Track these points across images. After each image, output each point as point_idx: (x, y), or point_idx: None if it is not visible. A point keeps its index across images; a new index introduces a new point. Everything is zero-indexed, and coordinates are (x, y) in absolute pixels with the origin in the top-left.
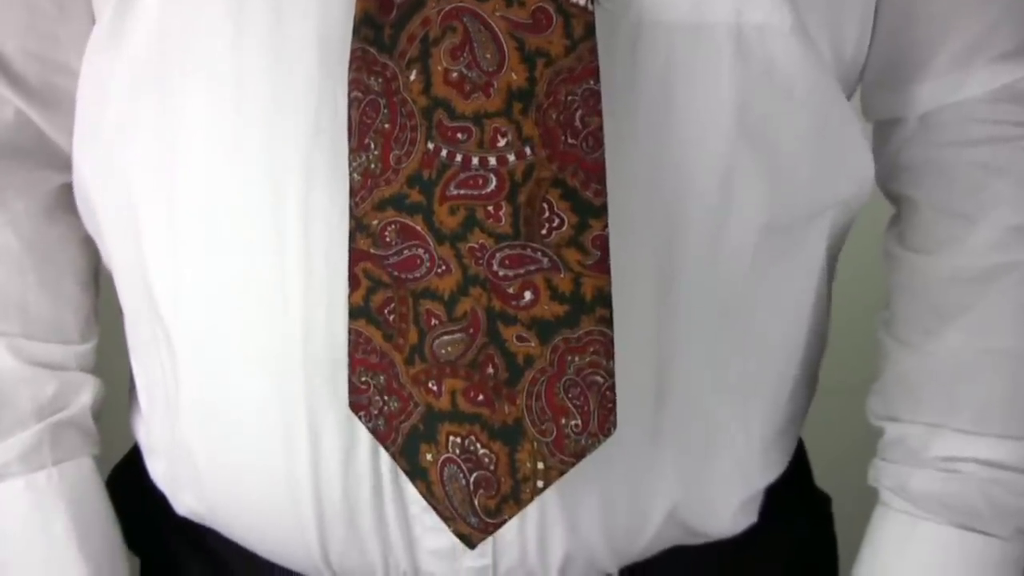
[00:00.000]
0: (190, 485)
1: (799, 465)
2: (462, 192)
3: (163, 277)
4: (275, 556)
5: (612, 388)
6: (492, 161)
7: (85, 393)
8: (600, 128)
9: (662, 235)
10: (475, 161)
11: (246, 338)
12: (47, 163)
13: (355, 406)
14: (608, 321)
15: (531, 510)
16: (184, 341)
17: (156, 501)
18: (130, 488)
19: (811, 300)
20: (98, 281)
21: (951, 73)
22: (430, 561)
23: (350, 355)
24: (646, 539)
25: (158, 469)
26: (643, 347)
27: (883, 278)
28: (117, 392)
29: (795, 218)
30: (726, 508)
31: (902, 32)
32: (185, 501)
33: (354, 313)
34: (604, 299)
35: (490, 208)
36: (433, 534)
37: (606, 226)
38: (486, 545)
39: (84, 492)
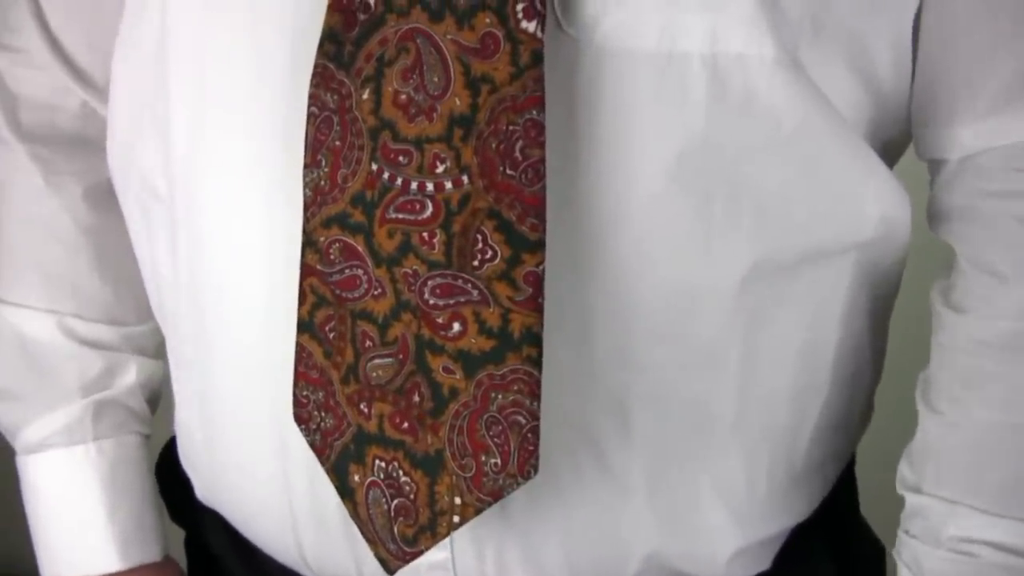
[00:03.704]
0: (196, 469)
1: (837, 507)
2: (400, 216)
3: (166, 272)
4: (265, 548)
5: (535, 430)
6: (429, 187)
7: (131, 374)
8: (541, 161)
9: (625, 271)
10: (414, 185)
11: (224, 339)
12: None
13: (298, 418)
14: (535, 361)
15: (488, 541)
16: (184, 332)
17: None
18: (174, 465)
19: (833, 345)
20: None
21: (994, 114)
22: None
23: (295, 368)
24: None
25: (180, 449)
26: (604, 385)
27: None
28: None
29: (793, 260)
30: (720, 555)
31: (941, 68)
32: (195, 483)
33: (300, 326)
34: (532, 338)
35: (425, 234)
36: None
37: (541, 263)
38: (447, 570)
39: (120, 468)
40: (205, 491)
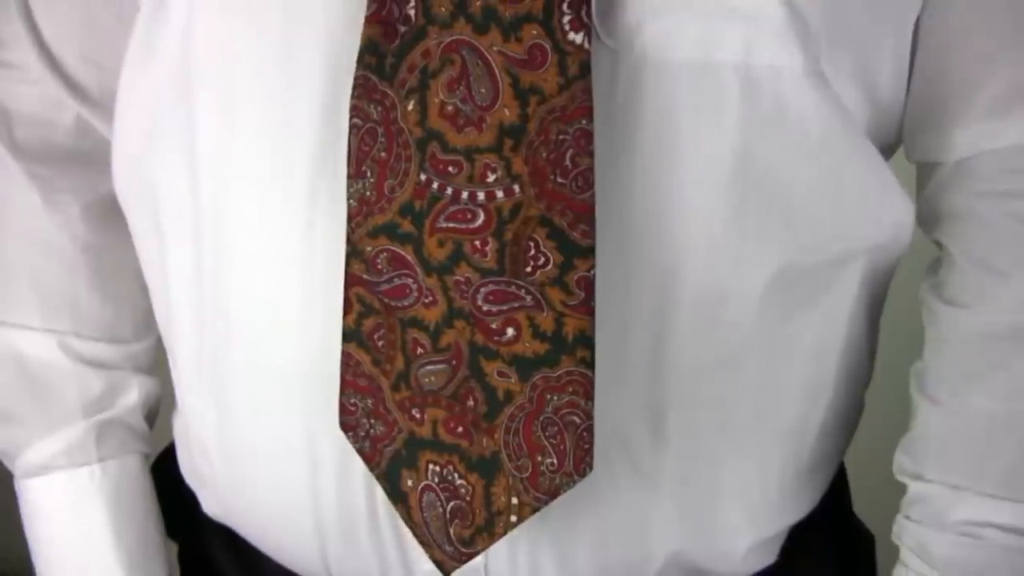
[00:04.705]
0: (208, 484)
1: (833, 500)
2: (451, 225)
3: (182, 285)
4: (284, 561)
5: (589, 429)
6: (480, 196)
7: (132, 393)
8: (591, 169)
9: (660, 276)
10: (464, 195)
11: (252, 349)
12: (106, 166)
13: (344, 426)
14: (589, 363)
15: (521, 543)
16: (202, 346)
17: (190, 492)
18: (169, 477)
19: (839, 344)
20: None
21: (990, 118)
22: None
23: (342, 376)
24: None
25: (185, 465)
26: (637, 388)
27: None
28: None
29: (815, 264)
30: (736, 551)
31: (940, 73)
32: (205, 498)
33: (346, 335)
34: (585, 340)
35: (477, 242)
36: (427, 557)
37: (592, 267)
38: (479, 573)
39: (124, 489)
40: (217, 506)
